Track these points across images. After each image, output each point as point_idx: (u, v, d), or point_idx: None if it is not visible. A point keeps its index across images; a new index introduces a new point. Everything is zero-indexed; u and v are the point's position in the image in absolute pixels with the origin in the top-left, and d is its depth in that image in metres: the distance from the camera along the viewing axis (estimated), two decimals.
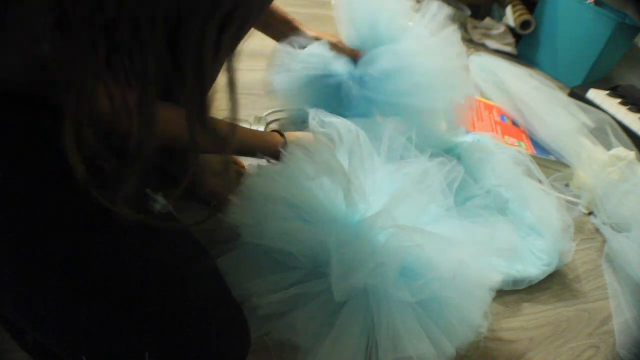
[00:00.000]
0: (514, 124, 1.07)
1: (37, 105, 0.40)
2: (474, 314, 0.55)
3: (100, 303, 0.37)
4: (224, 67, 0.35)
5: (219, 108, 0.37)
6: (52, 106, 0.40)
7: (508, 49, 1.66)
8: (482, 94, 1.21)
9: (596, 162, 0.97)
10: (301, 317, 0.52)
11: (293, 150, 0.60)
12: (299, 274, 0.55)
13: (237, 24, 0.33)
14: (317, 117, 0.68)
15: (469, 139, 0.87)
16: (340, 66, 0.84)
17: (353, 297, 0.54)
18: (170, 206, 0.40)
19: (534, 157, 0.94)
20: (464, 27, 1.66)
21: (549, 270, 0.74)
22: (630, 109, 1.28)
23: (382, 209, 0.56)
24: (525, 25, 1.63)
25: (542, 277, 0.73)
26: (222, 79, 0.36)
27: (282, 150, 0.61)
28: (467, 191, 0.75)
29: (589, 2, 1.47)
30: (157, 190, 0.37)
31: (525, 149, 0.97)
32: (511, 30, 1.68)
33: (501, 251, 0.62)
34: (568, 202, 0.91)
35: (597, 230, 0.92)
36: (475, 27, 1.69)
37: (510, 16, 1.64)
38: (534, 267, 0.73)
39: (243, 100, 0.88)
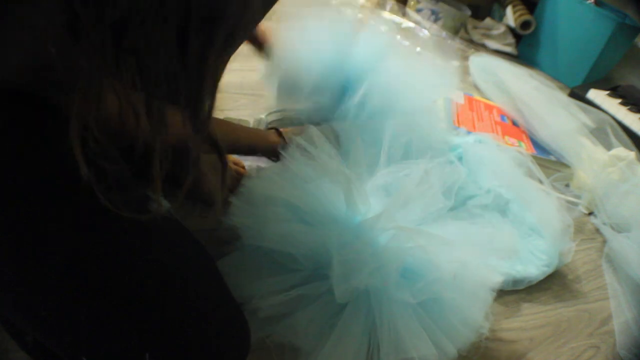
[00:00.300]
0: (514, 124, 1.07)
1: (37, 105, 0.40)
2: (475, 315, 0.55)
3: (100, 303, 0.37)
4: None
5: (220, 108, 0.37)
6: (52, 106, 0.40)
7: (508, 49, 1.66)
8: (482, 94, 1.21)
9: (596, 162, 0.97)
10: (302, 319, 0.52)
11: (292, 151, 0.60)
12: (300, 275, 0.55)
13: (240, 29, 0.33)
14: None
15: (469, 139, 0.87)
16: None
17: (354, 298, 0.54)
18: (172, 208, 0.40)
19: (534, 157, 0.94)
20: (464, 27, 1.66)
21: (549, 270, 0.74)
22: (630, 109, 1.28)
23: (382, 210, 0.56)
24: (525, 25, 1.63)
25: (541, 277, 0.73)
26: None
27: (280, 150, 0.61)
28: (467, 191, 0.76)
29: (589, 2, 1.47)
30: (161, 192, 0.37)
31: (525, 149, 0.97)
32: (511, 30, 1.68)
33: (502, 252, 0.62)
34: (568, 202, 0.91)
35: (597, 230, 0.92)
36: (475, 27, 1.69)
37: (510, 16, 1.64)
38: (533, 267, 0.73)
39: (243, 100, 0.88)
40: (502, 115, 1.09)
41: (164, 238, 0.43)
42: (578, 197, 0.96)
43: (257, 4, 0.34)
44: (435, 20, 1.58)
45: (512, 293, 0.71)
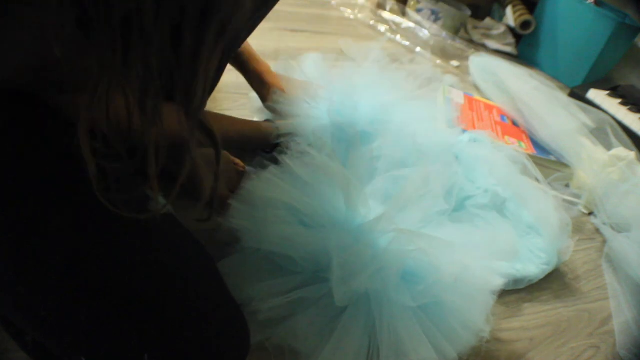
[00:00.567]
0: (514, 124, 1.07)
1: (37, 105, 0.40)
2: (475, 318, 0.54)
3: (100, 303, 0.37)
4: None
5: (220, 108, 0.37)
6: (52, 106, 0.40)
7: (508, 49, 1.66)
8: (482, 94, 1.21)
9: (596, 162, 0.97)
10: (302, 322, 0.52)
11: (293, 156, 0.60)
12: (300, 278, 0.55)
13: (232, 24, 0.33)
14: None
15: (465, 137, 0.86)
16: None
17: (354, 301, 0.53)
18: (170, 206, 0.40)
19: (534, 157, 0.94)
20: (464, 27, 1.66)
21: (549, 268, 0.74)
22: (630, 109, 1.28)
23: (383, 212, 0.56)
24: (525, 25, 1.63)
25: (541, 276, 0.73)
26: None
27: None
28: (464, 191, 0.75)
29: (589, 2, 1.47)
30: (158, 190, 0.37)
31: (525, 149, 0.97)
32: (511, 30, 1.68)
33: (502, 254, 0.61)
34: (568, 202, 0.91)
35: (597, 230, 0.92)
36: (475, 27, 1.69)
37: (510, 16, 1.65)
38: (533, 266, 0.73)
39: (243, 100, 0.88)
40: (502, 115, 1.09)
41: (164, 238, 0.43)
42: (578, 197, 0.96)
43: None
44: (435, 20, 1.58)
45: (513, 293, 0.71)
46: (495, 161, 0.81)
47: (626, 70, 1.61)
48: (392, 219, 0.56)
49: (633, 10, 1.38)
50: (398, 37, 1.47)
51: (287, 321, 0.52)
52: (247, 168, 0.71)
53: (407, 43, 1.44)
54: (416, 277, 0.54)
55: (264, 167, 0.60)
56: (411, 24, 1.52)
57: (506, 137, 0.99)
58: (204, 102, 0.36)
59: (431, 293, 0.53)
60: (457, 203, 0.72)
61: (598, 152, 1.01)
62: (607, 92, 1.35)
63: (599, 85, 1.41)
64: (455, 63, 1.43)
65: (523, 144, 0.99)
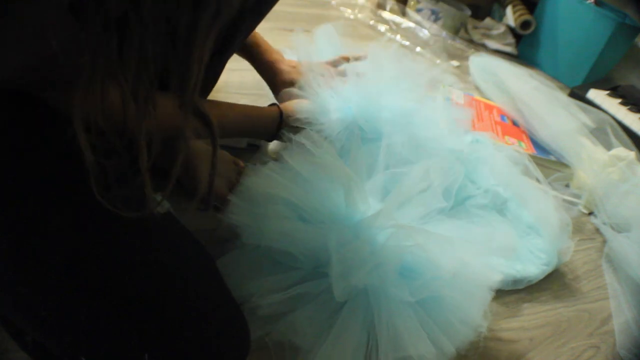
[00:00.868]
0: (514, 124, 1.07)
1: (37, 105, 0.40)
2: (473, 314, 0.55)
3: (100, 303, 0.37)
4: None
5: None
6: (52, 106, 0.40)
7: (508, 49, 1.66)
8: (482, 94, 1.21)
9: (596, 162, 0.97)
10: (301, 317, 0.52)
11: (292, 152, 0.60)
12: (299, 274, 0.55)
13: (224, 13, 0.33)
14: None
15: (467, 138, 0.87)
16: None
17: (353, 296, 0.54)
18: (170, 206, 0.40)
19: (534, 157, 0.94)
20: (464, 27, 1.66)
21: (548, 269, 0.74)
22: (630, 109, 1.28)
23: (381, 208, 0.56)
24: (525, 25, 1.63)
25: (541, 277, 0.73)
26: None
27: (281, 133, 0.62)
28: (465, 191, 0.75)
29: (589, 2, 1.47)
30: (153, 187, 0.37)
31: (525, 149, 0.97)
32: (511, 30, 1.68)
33: (500, 250, 0.62)
34: (566, 201, 0.91)
35: (597, 230, 0.92)
36: (475, 27, 1.69)
37: (510, 16, 1.65)
38: (533, 266, 0.73)
39: (243, 100, 0.88)
40: (502, 115, 1.09)
41: (164, 238, 0.43)
42: (578, 197, 0.96)
43: None
44: (435, 20, 1.58)
45: (512, 293, 0.71)
46: (496, 161, 0.81)
47: (626, 70, 1.61)
48: (391, 215, 0.56)
49: (633, 10, 1.38)
50: (398, 37, 1.47)
51: (286, 317, 0.52)
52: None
53: (407, 43, 1.44)
54: (414, 272, 0.54)
55: (263, 163, 0.60)
56: (411, 24, 1.52)
57: (506, 137, 0.99)
58: (199, 88, 0.35)
59: (429, 288, 0.53)
60: (457, 203, 0.72)
61: (598, 152, 1.01)
62: (607, 92, 1.35)
63: (599, 85, 1.41)
64: (455, 63, 1.43)
65: (523, 144, 0.99)
